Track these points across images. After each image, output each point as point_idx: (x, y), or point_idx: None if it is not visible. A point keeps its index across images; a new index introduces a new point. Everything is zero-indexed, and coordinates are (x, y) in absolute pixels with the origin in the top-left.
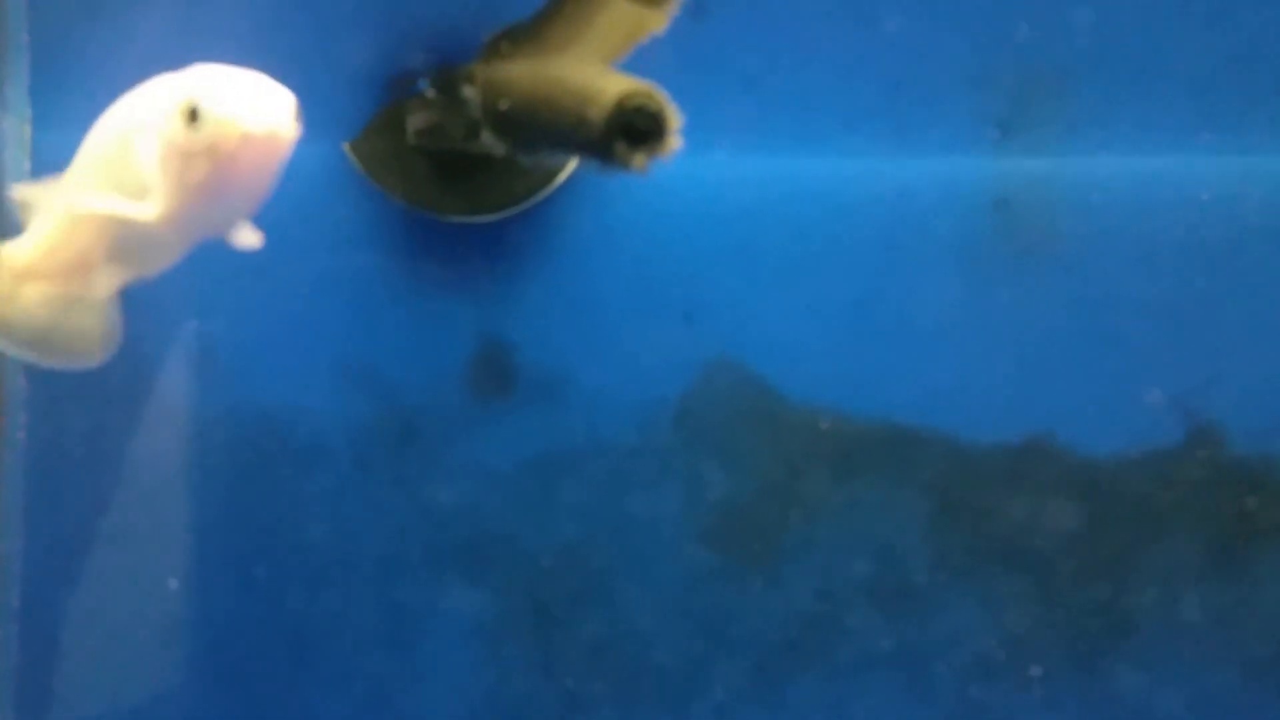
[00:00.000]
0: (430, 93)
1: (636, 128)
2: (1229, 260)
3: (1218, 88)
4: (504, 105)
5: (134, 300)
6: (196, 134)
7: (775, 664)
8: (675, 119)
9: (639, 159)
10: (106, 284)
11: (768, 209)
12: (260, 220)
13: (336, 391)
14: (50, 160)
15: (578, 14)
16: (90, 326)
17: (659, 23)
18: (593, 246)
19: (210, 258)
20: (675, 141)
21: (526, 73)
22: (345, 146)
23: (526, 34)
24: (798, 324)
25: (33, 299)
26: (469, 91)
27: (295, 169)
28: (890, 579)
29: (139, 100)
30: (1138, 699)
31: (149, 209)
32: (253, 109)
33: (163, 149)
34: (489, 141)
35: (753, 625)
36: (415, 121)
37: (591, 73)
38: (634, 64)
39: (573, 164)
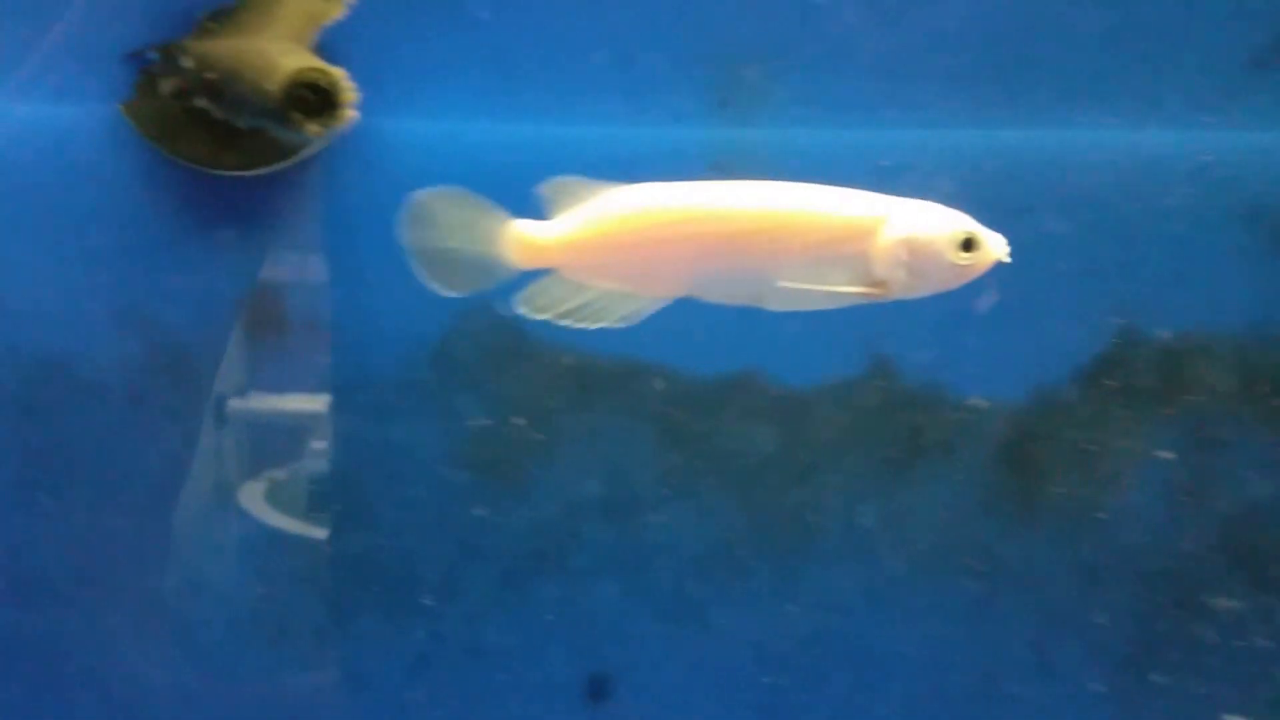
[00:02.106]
0: (157, 65)
1: (309, 99)
2: None
3: (900, 70)
4: (210, 76)
5: None
6: (967, 256)
7: (521, 571)
8: (348, 94)
9: (312, 127)
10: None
11: (517, 171)
12: (47, 179)
13: (113, 334)
14: None
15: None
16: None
17: (336, 10)
18: (358, 199)
19: None
20: (349, 114)
21: (227, 49)
22: (121, 108)
23: (230, 16)
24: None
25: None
26: (186, 62)
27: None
28: (620, 494)
29: (904, 211)
30: (823, 590)
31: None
32: (1000, 244)
33: (935, 261)
34: (203, 105)
35: (502, 538)
36: (165, 86)
37: (276, 50)
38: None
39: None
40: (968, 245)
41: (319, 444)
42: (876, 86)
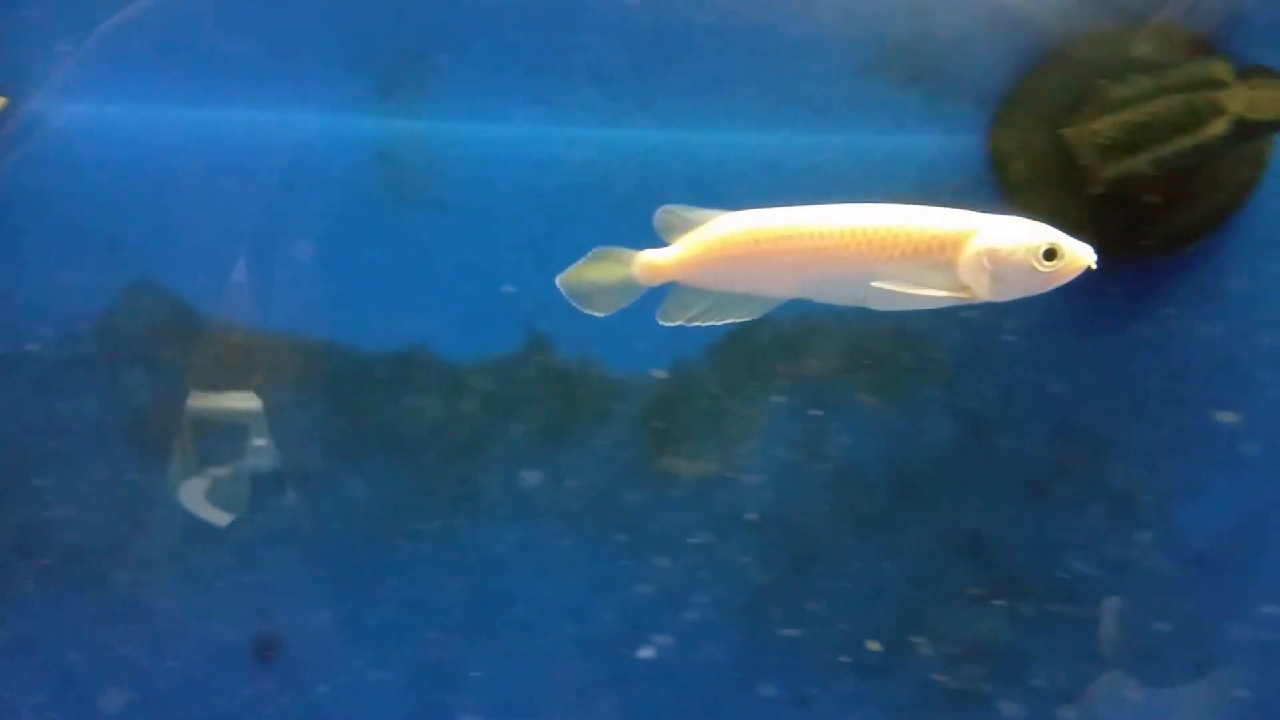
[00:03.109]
0: None
1: None
2: (557, 207)
3: (544, 72)
4: None
5: None
6: (1051, 264)
7: (190, 540)
8: None
9: None
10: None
11: (174, 156)
12: None
13: None
14: None
15: None
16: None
17: None
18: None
19: None
20: None
21: None
22: None
23: None
24: (210, 253)
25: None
26: None
27: None
28: (289, 465)
29: (996, 227)
30: (485, 551)
31: (973, 297)
32: (1087, 252)
33: (1017, 269)
34: None
35: (168, 510)
36: None
37: None
38: None
39: None
40: (1050, 254)
41: None
42: (528, 83)
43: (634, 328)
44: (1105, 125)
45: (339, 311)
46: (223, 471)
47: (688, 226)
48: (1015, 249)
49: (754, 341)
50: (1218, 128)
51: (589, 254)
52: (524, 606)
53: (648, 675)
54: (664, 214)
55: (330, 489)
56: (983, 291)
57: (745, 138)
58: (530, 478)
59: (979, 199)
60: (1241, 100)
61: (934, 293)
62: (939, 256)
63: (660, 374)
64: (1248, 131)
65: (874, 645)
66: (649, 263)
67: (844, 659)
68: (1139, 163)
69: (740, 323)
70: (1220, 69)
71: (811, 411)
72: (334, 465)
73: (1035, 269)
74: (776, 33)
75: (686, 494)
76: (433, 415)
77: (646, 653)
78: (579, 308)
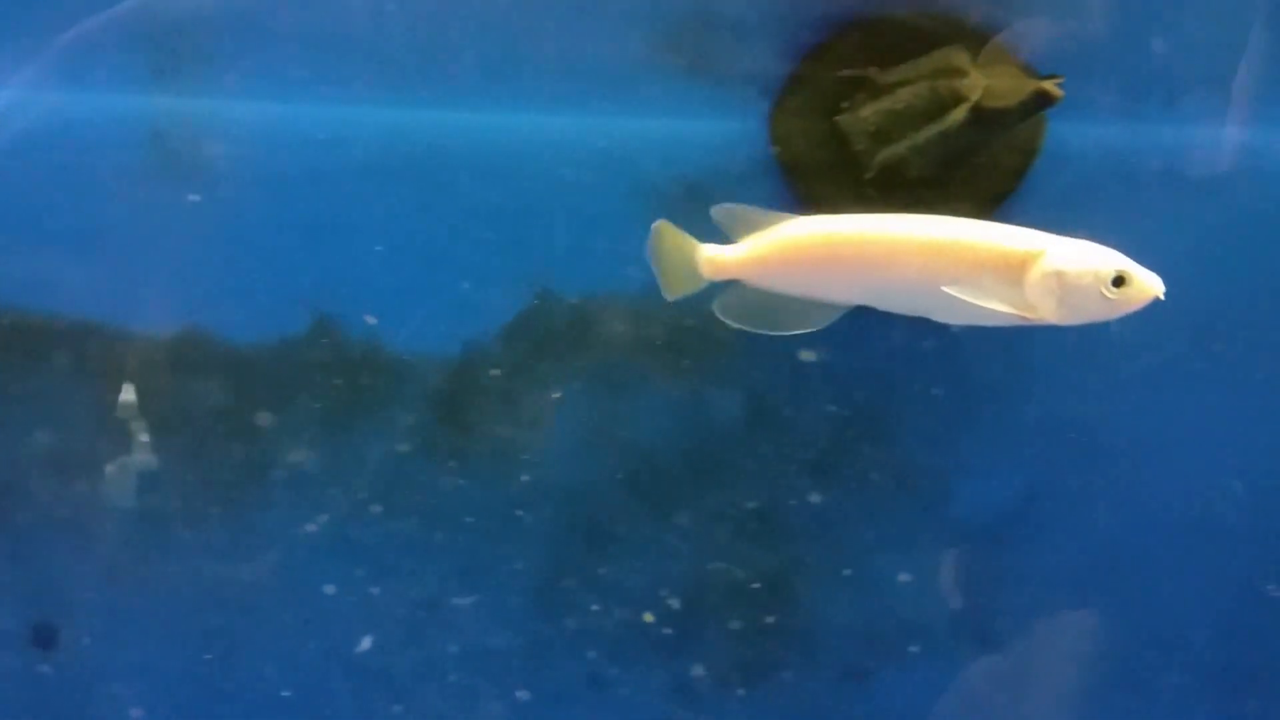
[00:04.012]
0: None
1: None
2: (341, 187)
3: (326, 50)
4: None
5: None
6: (1118, 292)
7: None
8: None
9: None
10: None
11: None
12: None
13: None
14: None
15: None
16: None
17: None
18: None
19: None
20: None
21: None
22: None
23: None
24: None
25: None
26: None
27: None
28: (68, 451)
29: (1066, 248)
30: (272, 535)
31: (1040, 318)
32: (1155, 282)
33: (1085, 294)
34: None
35: None
36: None
37: None
38: None
39: None
40: (1119, 281)
41: None
42: (309, 62)
43: (423, 308)
44: (870, 112)
45: (115, 293)
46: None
47: (748, 224)
48: (1083, 274)
49: (544, 322)
50: (958, 115)
51: (664, 228)
52: (311, 589)
53: (439, 654)
54: (723, 212)
55: (94, 469)
56: (1048, 313)
57: (530, 120)
58: (318, 461)
59: (762, 184)
60: (980, 88)
61: (1000, 308)
62: (1007, 274)
63: (451, 356)
64: (987, 119)
65: (648, 617)
66: (712, 258)
67: (636, 636)
68: (900, 149)
69: (532, 303)
70: (960, 57)
71: (601, 391)
72: (112, 450)
73: (1103, 295)
74: (561, 15)
75: (477, 474)
76: (215, 398)
77: (437, 632)
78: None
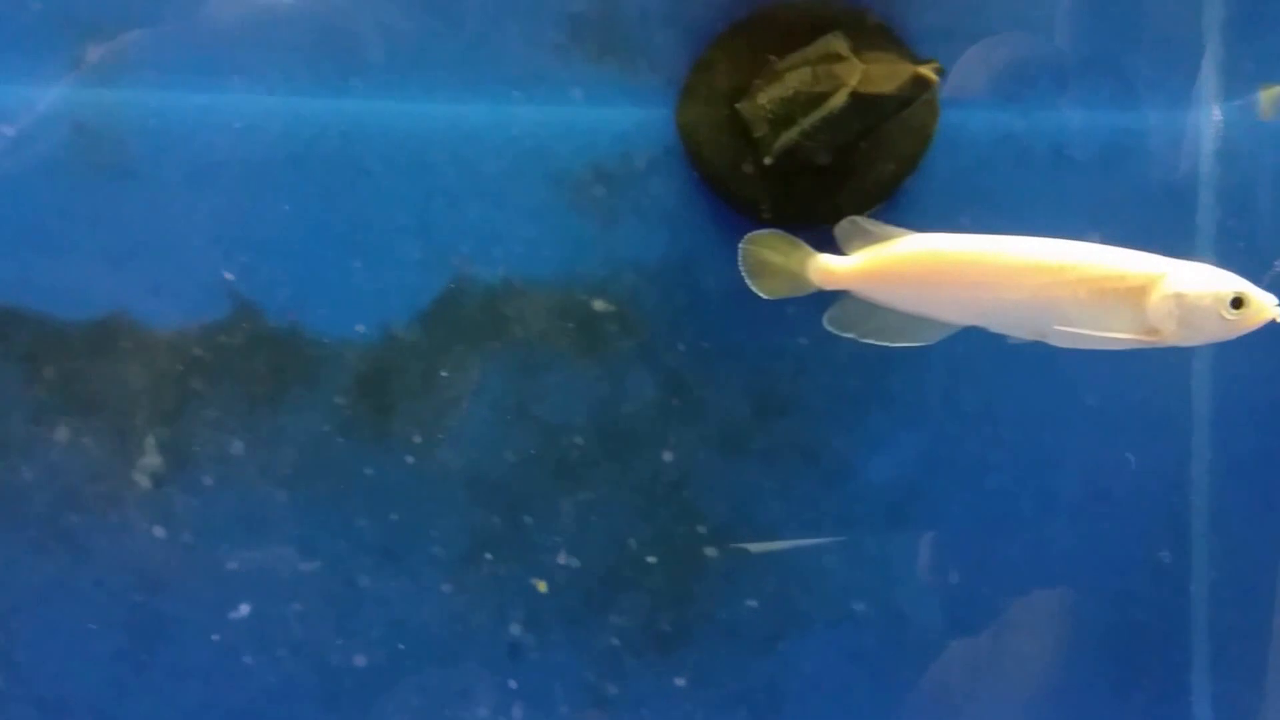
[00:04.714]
0: None
1: None
2: (257, 176)
3: (241, 41)
4: None
5: None
6: (1236, 313)
7: None
8: None
9: None
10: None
11: None
12: None
13: None
14: None
15: None
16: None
17: None
18: None
19: None
20: None
21: None
22: None
23: None
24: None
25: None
26: None
27: None
28: None
29: (1185, 271)
30: (197, 516)
31: (1158, 340)
32: (1271, 300)
33: (1205, 315)
34: None
35: None
36: None
37: None
38: None
39: None
40: (1238, 303)
41: None
42: (226, 53)
43: (342, 295)
44: (766, 99)
45: (38, 280)
46: None
47: (868, 239)
48: (1203, 296)
49: (461, 306)
50: (838, 100)
51: (773, 233)
52: (235, 569)
53: (359, 630)
54: (847, 224)
55: (32, 457)
56: (1170, 336)
57: (443, 109)
58: (241, 444)
59: (671, 170)
60: (858, 73)
61: (1120, 336)
62: (1127, 297)
63: (371, 340)
64: (866, 103)
65: (540, 585)
66: (826, 267)
67: (553, 609)
68: (792, 135)
69: (448, 287)
70: (839, 44)
71: (516, 373)
72: (36, 433)
73: (1223, 317)
74: (472, 5)
75: (396, 455)
76: (137, 382)
77: (357, 609)
78: (745, 278)
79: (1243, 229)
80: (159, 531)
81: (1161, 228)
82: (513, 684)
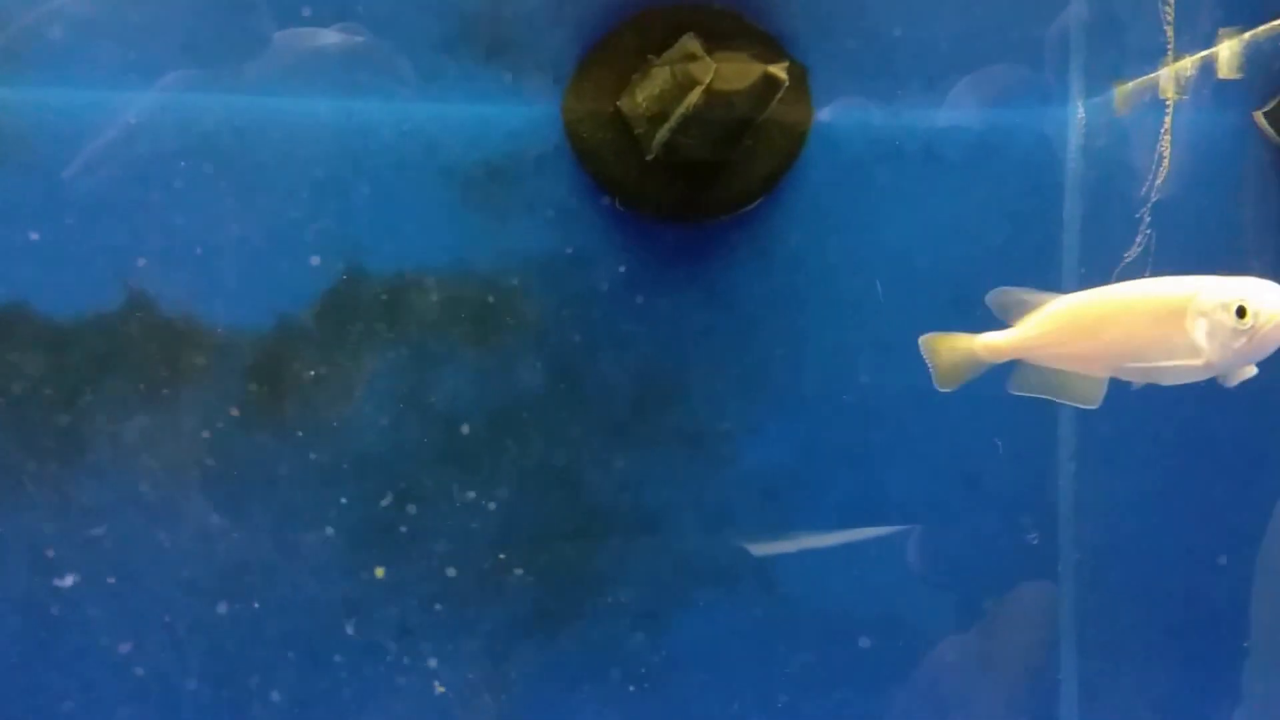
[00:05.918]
0: None
1: None
2: (151, 171)
3: (135, 40)
4: None
5: None
6: (1244, 323)
7: None
8: None
9: None
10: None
11: None
12: None
13: None
14: None
15: None
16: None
17: None
18: None
19: None
20: None
21: None
22: None
23: None
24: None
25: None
26: None
27: None
28: None
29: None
30: (95, 502)
31: (1198, 364)
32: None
33: (1222, 329)
34: None
35: None
36: None
37: None
38: None
39: None
40: (1242, 312)
41: None
42: (119, 51)
43: (236, 286)
44: (641, 97)
45: None
46: None
47: (1023, 306)
48: (1215, 308)
49: (356, 297)
50: (694, 98)
51: (936, 335)
52: (132, 556)
53: (255, 611)
54: (999, 295)
55: None
56: (1214, 356)
57: (337, 104)
58: (135, 432)
59: (559, 168)
60: (710, 71)
61: (1179, 364)
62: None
63: (265, 330)
64: (721, 101)
65: (450, 571)
66: (989, 344)
67: (445, 591)
68: (663, 132)
69: (341, 279)
70: (693, 44)
71: (409, 362)
72: None
73: (1235, 328)
74: (363, 4)
75: (291, 444)
76: (33, 371)
77: (253, 591)
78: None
79: (1102, 222)
80: (54, 521)
81: (1029, 223)
82: (402, 664)
